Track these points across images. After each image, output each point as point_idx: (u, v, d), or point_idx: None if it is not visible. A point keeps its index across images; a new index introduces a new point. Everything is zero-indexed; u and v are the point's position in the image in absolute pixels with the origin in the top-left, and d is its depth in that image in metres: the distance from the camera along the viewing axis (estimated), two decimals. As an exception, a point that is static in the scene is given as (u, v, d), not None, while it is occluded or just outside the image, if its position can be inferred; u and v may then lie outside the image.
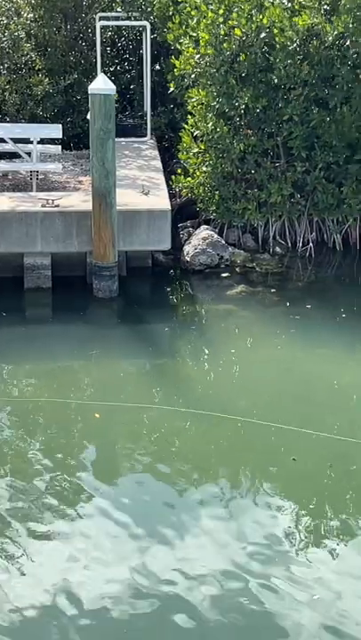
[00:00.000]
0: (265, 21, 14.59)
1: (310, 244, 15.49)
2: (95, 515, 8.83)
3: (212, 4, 15.19)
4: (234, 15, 14.71)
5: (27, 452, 10.14)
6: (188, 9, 15.89)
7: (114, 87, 13.35)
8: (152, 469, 9.74)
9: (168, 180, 15.81)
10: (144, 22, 17.66)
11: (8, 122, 16.88)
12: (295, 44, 14.55)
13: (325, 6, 14.77)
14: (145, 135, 18.06)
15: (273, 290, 14.36)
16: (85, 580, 7.70)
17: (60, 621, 7.24)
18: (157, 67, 18.39)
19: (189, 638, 7.17)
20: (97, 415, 10.67)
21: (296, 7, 14.74)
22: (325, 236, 15.69)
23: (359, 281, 14.86)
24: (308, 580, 7.73)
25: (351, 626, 7.21)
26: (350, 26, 14.32)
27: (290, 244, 15.57)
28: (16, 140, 15.63)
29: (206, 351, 12.55)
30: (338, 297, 14.32)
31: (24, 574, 7.90)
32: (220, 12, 14.91)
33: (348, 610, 7.41)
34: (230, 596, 7.48)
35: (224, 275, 14.71)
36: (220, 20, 14.86)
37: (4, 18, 17.88)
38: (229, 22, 14.76)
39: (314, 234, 15.58)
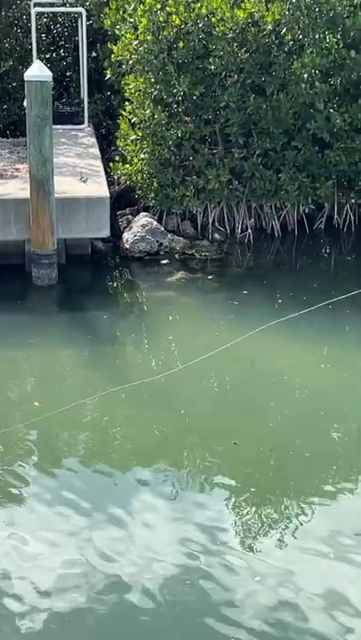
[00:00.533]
0: (203, 11, 14.51)
1: (249, 230, 15.46)
2: (39, 500, 8.81)
3: None
4: (170, 2, 14.61)
5: None
6: None
7: (50, 74, 13.09)
8: (93, 455, 9.68)
9: (106, 167, 15.69)
10: (79, 9, 17.45)
11: None
12: (234, 33, 14.46)
13: None
14: (82, 122, 17.84)
15: (212, 276, 14.31)
16: (35, 563, 7.75)
17: (9, 607, 7.31)
18: (94, 53, 18.09)
19: (140, 613, 7.31)
20: (37, 404, 10.59)
21: None
22: (264, 222, 15.65)
23: (297, 267, 14.87)
24: (251, 557, 7.94)
25: (295, 599, 7.24)
26: (286, 13, 14.30)
27: (229, 231, 15.53)
28: None
29: (146, 338, 12.50)
30: (276, 282, 14.33)
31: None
32: None
33: (293, 584, 7.43)
34: (179, 573, 7.64)
35: (163, 262, 14.65)
36: (158, 6, 14.75)
37: None
38: (167, 9, 14.65)
39: (252, 220, 15.55)
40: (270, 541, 8.11)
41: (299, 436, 9.99)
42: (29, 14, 17.34)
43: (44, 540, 8.10)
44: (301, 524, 8.37)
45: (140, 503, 8.92)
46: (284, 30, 14.51)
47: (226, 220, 15.51)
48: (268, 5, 14.48)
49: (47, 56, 18.19)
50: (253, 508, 8.66)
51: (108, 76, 16.58)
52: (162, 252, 14.83)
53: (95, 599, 7.42)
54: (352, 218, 15.86)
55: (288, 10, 14.40)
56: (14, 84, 17.20)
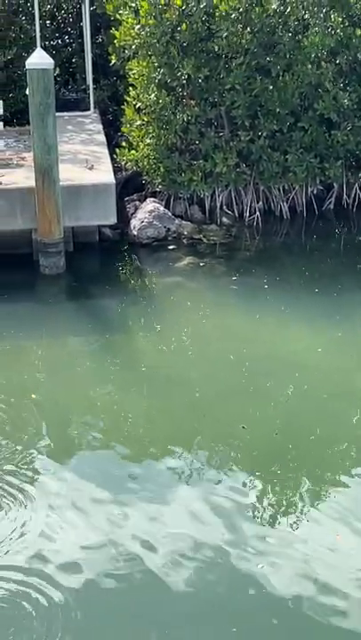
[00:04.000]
0: None
1: (257, 213, 15.37)
2: (55, 488, 8.85)
3: None
4: None
5: None
6: None
7: (52, 61, 12.98)
8: (107, 443, 9.69)
9: (113, 153, 15.60)
10: None
11: None
12: (237, 13, 14.34)
13: None
14: (88, 109, 17.82)
15: (221, 260, 14.24)
16: (59, 546, 7.83)
17: (35, 587, 7.35)
18: (99, 39, 18.05)
19: (160, 583, 7.43)
20: (33, 396, 10.68)
21: None
22: (272, 204, 15.57)
23: (307, 248, 14.79)
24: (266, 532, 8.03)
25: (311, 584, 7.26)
26: None
27: (237, 214, 15.44)
28: None
29: (156, 324, 12.43)
30: (286, 265, 14.22)
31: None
32: None
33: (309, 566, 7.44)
34: (199, 555, 7.78)
35: (171, 247, 14.57)
36: None
37: None
38: None
39: (260, 203, 15.46)
40: (282, 517, 8.32)
41: (305, 417, 10.00)
42: (33, 1, 17.27)
43: (70, 516, 8.37)
44: (311, 502, 8.57)
45: (156, 481, 9.00)
46: (288, 10, 14.46)
47: (234, 203, 15.41)
48: None
49: (52, 43, 18.31)
50: (264, 487, 8.74)
51: (113, 61, 16.49)
52: (170, 238, 14.75)
53: (116, 571, 7.68)
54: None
55: None
56: (19, 72, 17.17)
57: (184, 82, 14.82)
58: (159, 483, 8.88)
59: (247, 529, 8.13)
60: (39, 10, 17.20)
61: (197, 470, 9.05)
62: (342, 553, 7.82)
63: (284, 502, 8.42)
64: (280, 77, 14.59)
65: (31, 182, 13.39)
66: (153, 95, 14.92)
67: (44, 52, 13.32)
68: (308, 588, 7.44)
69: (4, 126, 15.73)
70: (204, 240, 14.76)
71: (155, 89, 14.93)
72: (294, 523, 8.25)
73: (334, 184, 15.62)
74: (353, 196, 15.74)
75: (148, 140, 15.22)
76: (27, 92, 13.35)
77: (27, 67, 13.02)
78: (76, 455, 9.42)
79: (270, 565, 7.69)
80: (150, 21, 14.70)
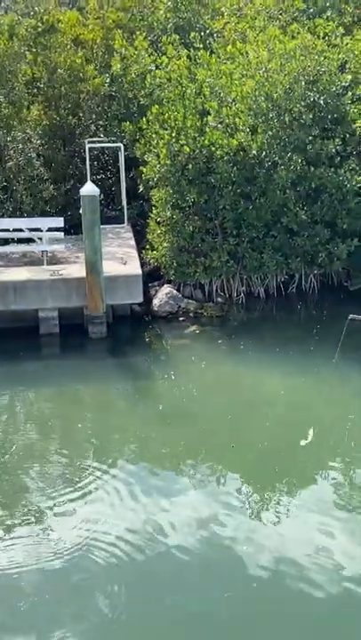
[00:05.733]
0: (206, 142, 14.58)
1: (242, 294, 15.38)
2: (103, 489, 8.76)
3: (167, 129, 14.97)
4: (182, 138, 14.66)
5: (47, 447, 10.04)
6: (150, 133, 15.68)
7: (97, 190, 13.31)
8: (136, 458, 9.64)
9: (140, 253, 15.54)
10: (119, 144, 17.14)
11: (25, 217, 16.31)
12: (228, 156, 14.51)
13: (248, 128, 14.70)
14: (123, 222, 17.65)
15: (217, 328, 14.20)
16: (106, 529, 7.80)
17: (87, 564, 7.30)
18: (130, 174, 17.69)
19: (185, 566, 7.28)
20: (79, 425, 10.60)
21: (230, 130, 14.73)
22: (252, 288, 15.56)
23: (277, 319, 14.88)
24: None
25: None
26: (265, 142, 14.45)
27: (227, 295, 15.40)
28: (31, 230, 15.13)
29: (171, 373, 12.41)
30: (262, 331, 14.22)
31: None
32: (173, 135, 14.80)
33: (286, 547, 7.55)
34: (200, 532, 7.81)
35: (181, 319, 14.55)
36: (173, 141, 14.78)
37: (19, 144, 17.25)
38: (180, 142, 14.67)
39: (244, 287, 15.48)
40: (261, 508, 8.27)
41: (275, 437, 9.94)
42: (84, 149, 17.33)
43: (116, 505, 8.40)
44: (282, 495, 8.61)
45: (171, 484, 8.92)
46: (263, 154, 14.63)
47: (225, 288, 15.44)
48: (253, 136, 14.62)
49: (98, 177, 18.00)
50: (247, 487, 8.82)
51: (141, 189, 16.61)
52: (180, 312, 14.74)
53: (144, 540, 7.67)
54: (314, 284, 15.77)
55: (266, 140, 14.57)
56: (75, 198, 16.61)
57: (190, 204, 15.00)
58: (173, 485, 8.96)
59: (236, 517, 8.18)
60: (89, 154, 17.26)
61: (201, 476, 9.14)
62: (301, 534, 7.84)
63: (262, 497, 8.62)
64: (257, 200, 14.80)
65: (83, 273, 13.48)
66: (169, 212, 15.13)
67: (92, 184, 13.58)
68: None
69: (65, 235, 15.66)
70: (205, 314, 14.79)
71: (170, 208, 15.12)
72: (272, 514, 8.21)
73: (295, 274, 15.63)
74: (309, 282, 15.76)
75: (165, 244, 15.31)
76: (80, 212, 13.56)
77: (80, 194, 13.32)
78: (114, 466, 9.35)
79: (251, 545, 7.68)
80: (167, 162, 14.96)
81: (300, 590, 6.89)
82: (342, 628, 6.56)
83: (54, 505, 8.34)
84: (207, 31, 17.90)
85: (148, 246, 15.70)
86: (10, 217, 16.34)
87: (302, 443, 9.67)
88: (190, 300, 15.00)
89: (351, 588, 6.89)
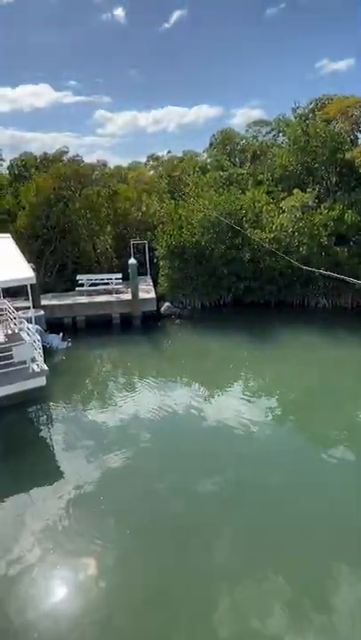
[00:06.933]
0: (183, 239, 23.24)
1: (199, 305, 23.41)
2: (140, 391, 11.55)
3: (165, 235, 23.85)
4: (172, 238, 23.67)
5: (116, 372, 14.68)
6: (158, 237, 24.32)
7: (136, 262, 22.47)
8: (156, 377, 12.55)
9: (155, 288, 23.84)
10: (145, 241, 25.75)
11: (105, 272, 24.34)
12: (193, 245, 23.24)
13: (201, 233, 23.37)
14: (147, 275, 25.93)
15: (188, 320, 21.91)
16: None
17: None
18: (151, 254, 25.95)
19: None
20: (128, 364, 13.98)
21: (192, 234, 23.35)
22: (204, 302, 23.43)
23: (213, 316, 22.32)
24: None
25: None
26: (208, 238, 23.47)
27: (193, 305, 23.30)
28: (108, 279, 23.27)
29: (171, 339, 18.79)
30: (208, 322, 21.26)
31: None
32: (168, 237, 23.62)
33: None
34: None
35: (173, 317, 22.71)
36: (168, 238, 23.74)
37: (103, 242, 25.32)
38: (171, 240, 23.65)
39: (200, 302, 23.53)
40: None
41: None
42: (130, 244, 26.09)
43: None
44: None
45: (174, 388, 11.41)
46: (207, 244, 23.62)
47: (194, 302, 23.66)
48: (203, 236, 23.45)
49: (136, 255, 26.31)
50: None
51: (155, 260, 25.69)
52: (173, 314, 22.96)
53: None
54: (230, 301, 23.49)
55: (208, 238, 23.46)
56: (127, 264, 23.62)
57: (176, 266, 23.89)
58: (175, 388, 10.74)
59: (205, 397, 10.69)
60: (132, 247, 25.77)
61: (190, 383, 10.86)
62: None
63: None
64: (204, 264, 23.66)
65: (129, 297, 22.44)
66: (167, 270, 24.28)
67: (134, 259, 22.99)
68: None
69: (122, 280, 23.35)
70: (183, 314, 23.05)
71: (167, 269, 24.34)
72: (220, 395, 11.08)
73: (222, 296, 23.72)
74: (228, 300, 23.62)
75: (165, 284, 24.42)
76: (129, 271, 22.36)
77: (129, 263, 22.70)
78: (145, 378, 11.42)
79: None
80: (165, 249, 24.26)
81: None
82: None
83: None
84: (183, 192, 28.10)
85: (158, 285, 24.48)
86: (99, 273, 25.10)
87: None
88: (177, 308, 23.55)
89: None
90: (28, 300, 16.83)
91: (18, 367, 14.39)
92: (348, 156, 23.36)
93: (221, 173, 28.50)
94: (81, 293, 23.64)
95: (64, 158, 27.66)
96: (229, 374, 14.13)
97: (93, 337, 19.54)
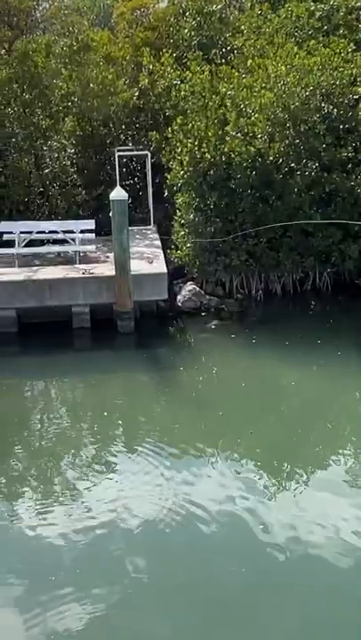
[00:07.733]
0: (226, 149, 13.94)
1: (260, 291, 14.74)
2: (127, 464, 8.96)
3: (190, 138, 14.41)
4: (204, 146, 14.10)
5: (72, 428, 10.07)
6: (174, 142, 15.12)
7: (126, 195, 12.77)
8: (159, 439, 9.56)
9: (165, 252, 15.04)
10: (146, 152, 16.81)
11: (60, 220, 16.08)
12: (247, 162, 13.88)
13: (266, 136, 14.06)
14: (149, 224, 17.22)
15: (236, 322, 13.79)
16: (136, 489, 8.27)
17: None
18: (156, 180, 17.32)
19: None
20: (105, 414, 10.46)
21: (248, 138, 14.10)
22: (270, 285, 14.85)
23: (292, 314, 14.34)
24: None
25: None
26: (282, 149, 13.91)
27: (247, 292, 14.79)
28: (65, 231, 14.75)
29: (193, 364, 12.14)
30: (278, 326, 13.70)
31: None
32: (196, 144, 14.22)
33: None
34: (215, 504, 8.03)
35: (203, 314, 14.09)
36: (196, 149, 14.20)
37: (55, 153, 17.00)
38: (202, 150, 14.14)
39: (262, 284, 14.82)
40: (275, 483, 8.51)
41: (288, 423, 10.07)
42: (114, 157, 16.93)
43: (139, 477, 8.70)
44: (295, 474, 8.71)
45: (191, 464, 9.04)
46: (280, 160, 14.01)
47: (245, 285, 14.78)
48: (271, 144, 14.01)
49: (126, 183, 17.60)
50: (262, 468, 8.88)
51: (166, 193, 16.07)
52: (202, 308, 14.22)
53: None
54: (328, 281, 15.01)
55: (283, 148, 13.94)
56: (106, 202, 16.25)
57: (211, 207, 14.36)
58: (193, 465, 8.94)
59: (249, 488, 8.36)
60: (118, 162, 16.88)
61: (220, 458, 9.10)
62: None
63: (276, 475, 8.72)
64: (274, 203, 14.09)
65: (112, 272, 13.06)
66: (191, 215, 14.51)
67: (121, 189, 13.12)
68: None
69: (96, 236, 15.48)
70: (225, 309, 14.25)
71: (192, 211, 14.52)
72: (285, 487, 8.44)
73: (310, 272, 14.87)
74: (323, 280, 14.98)
75: (188, 244, 14.70)
76: (110, 214, 13.19)
77: (110, 198, 12.82)
78: (139, 446, 9.35)
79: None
80: (190, 169, 14.37)
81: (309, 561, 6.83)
82: None
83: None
84: (228, 48, 17.17)
85: (172, 247, 15.07)
86: (46, 220, 15.92)
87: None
88: (212, 297, 14.36)
89: None
90: None
91: None
92: None
93: (313, 4, 17.12)
94: (8, 262, 14.12)
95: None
96: (328, 444, 9.97)
97: (34, 354, 12.69)
